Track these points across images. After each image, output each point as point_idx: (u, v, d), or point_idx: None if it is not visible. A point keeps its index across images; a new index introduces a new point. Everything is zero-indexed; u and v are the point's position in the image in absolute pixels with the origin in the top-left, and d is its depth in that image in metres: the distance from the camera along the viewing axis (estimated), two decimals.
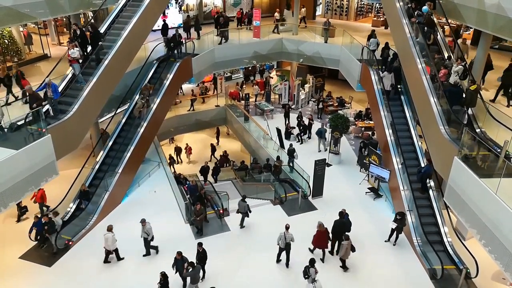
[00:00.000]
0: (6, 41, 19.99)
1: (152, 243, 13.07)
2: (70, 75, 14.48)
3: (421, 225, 13.33)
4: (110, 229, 12.52)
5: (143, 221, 12.65)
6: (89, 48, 14.91)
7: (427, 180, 14.31)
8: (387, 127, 16.39)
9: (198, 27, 21.75)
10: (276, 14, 24.44)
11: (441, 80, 13.27)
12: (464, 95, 12.39)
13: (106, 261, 12.80)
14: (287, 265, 12.76)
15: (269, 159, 18.55)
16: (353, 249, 12.51)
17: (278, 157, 18.07)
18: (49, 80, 12.82)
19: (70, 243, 13.40)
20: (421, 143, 15.54)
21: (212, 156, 23.78)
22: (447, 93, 12.55)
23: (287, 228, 12.49)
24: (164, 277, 11.06)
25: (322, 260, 13.04)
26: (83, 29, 14.86)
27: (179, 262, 11.44)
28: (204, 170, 19.17)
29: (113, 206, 15.28)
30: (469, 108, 12.21)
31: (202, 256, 11.91)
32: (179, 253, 11.44)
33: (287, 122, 22.04)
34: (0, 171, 10.27)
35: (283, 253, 12.76)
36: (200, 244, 12.02)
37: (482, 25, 13.61)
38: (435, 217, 13.75)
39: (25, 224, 14.01)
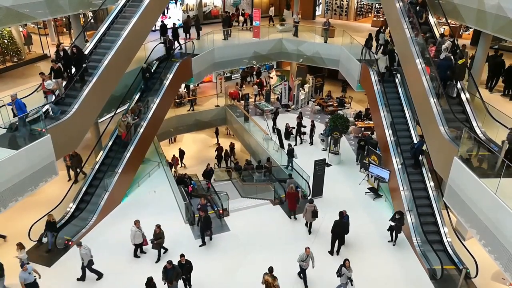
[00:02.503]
0: (5, 41, 20.00)
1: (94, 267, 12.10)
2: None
3: (420, 225, 13.34)
4: (135, 223, 12.67)
5: (79, 244, 11.69)
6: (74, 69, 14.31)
7: (420, 156, 14.86)
8: (387, 127, 16.40)
9: (199, 27, 21.76)
10: (295, 16, 24.14)
11: (431, 56, 14.29)
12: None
13: (135, 254, 13.05)
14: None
15: (260, 161, 18.96)
16: (315, 215, 13.82)
17: (268, 159, 18.63)
18: (14, 96, 11.43)
19: (70, 243, 13.40)
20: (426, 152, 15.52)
21: (181, 162, 23.39)
22: (438, 67, 13.46)
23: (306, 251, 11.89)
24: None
25: (295, 217, 14.95)
26: (67, 50, 14.27)
27: (170, 271, 11.00)
28: (207, 174, 18.89)
29: (112, 206, 15.25)
30: (458, 82, 13.27)
31: (188, 267, 11.42)
32: (170, 262, 11.04)
33: (273, 125, 21.90)
34: (0, 171, 10.26)
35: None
36: (182, 255, 11.45)
37: (482, 25, 13.63)
38: (435, 217, 13.75)
39: (23, 226, 13.51)
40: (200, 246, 13.62)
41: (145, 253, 13.21)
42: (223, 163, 23.83)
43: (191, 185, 17.25)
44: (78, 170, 16.53)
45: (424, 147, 14.58)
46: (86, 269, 12.00)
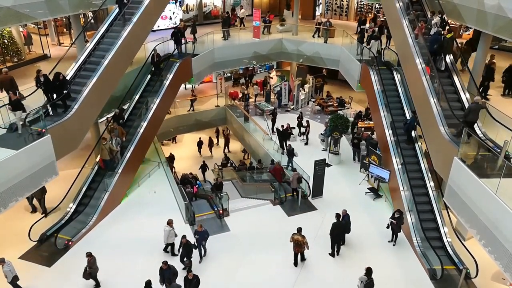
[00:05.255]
0: (5, 41, 20.01)
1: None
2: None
3: (421, 225, 13.33)
4: (168, 223, 12.77)
5: (1, 261, 10.86)
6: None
7: (413, 132, 15.46)
8: (387, 127, 16.41)
9: (194, 30, 21.44)
10: (318, 17, 23.88)
11: (420, 31, 15.13)
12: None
13: (165, 250, 13.20)
14: None
15: (252, 162, 19.34)
16: (299, 181, 15.74)
17: (259, 160, 19.07)
18: None
19: (70, 243, 13.40)
20: (421, 143, 15.55)
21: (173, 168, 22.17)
22: (429, 41, 14.31)
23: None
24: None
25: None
26: (48, 75, 13.46)
27: (167, 272, 10.93)
28: (218, 187, 17.75)
29: (112, 206, 15.25)
30: (446, 55, 14.06)
31: (196, 282, 10.91)
32: (165, 263, 10.98)
33: (272, 125, 21.87)
34: (0, 171, 10.26)
35: None
36: (189, 271, 10.94)
37: (482, 26, 13.63)
38: (435, 217, 13.74)
39: (23, 226, 13.49)
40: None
41: (176, 255, 12.88)
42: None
43: (197, 186, 17.14)
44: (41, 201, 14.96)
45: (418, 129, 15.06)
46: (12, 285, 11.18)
